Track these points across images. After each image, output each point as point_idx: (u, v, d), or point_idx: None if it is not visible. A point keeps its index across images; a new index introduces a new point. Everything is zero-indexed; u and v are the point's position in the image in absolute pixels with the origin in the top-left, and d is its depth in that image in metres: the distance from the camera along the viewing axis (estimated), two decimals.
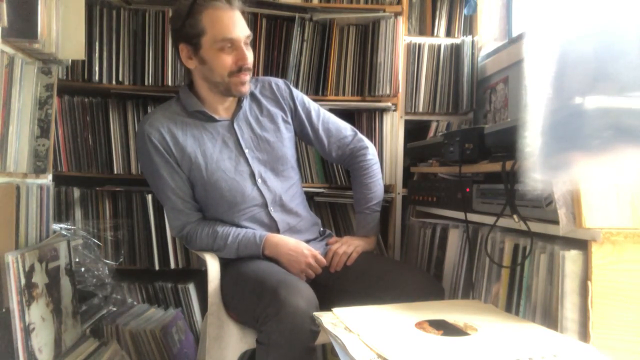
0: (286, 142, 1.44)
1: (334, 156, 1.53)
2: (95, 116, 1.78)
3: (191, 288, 1.88)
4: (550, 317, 0.96)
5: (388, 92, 1.82)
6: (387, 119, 1.84)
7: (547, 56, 0.77)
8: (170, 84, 1.76)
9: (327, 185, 1.85)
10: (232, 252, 1.33)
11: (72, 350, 1.35)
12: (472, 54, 1.97)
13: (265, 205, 1.38)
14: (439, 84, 1.97)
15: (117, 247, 1.80)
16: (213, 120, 1.37)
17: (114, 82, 1.75)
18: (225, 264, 1.34)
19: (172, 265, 1.79)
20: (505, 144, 1.13)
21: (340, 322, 0.92)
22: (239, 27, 1.29)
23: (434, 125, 1.98)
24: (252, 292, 1.16)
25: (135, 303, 1.82)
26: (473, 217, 1.28)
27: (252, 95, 1.44)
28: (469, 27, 2.08)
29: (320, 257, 1.31)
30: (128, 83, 1.76)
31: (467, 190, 1.30)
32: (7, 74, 1.21)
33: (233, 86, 1.31)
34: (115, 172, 1.78)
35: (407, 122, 1.92)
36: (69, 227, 1.69)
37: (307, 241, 1.40)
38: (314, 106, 1.52)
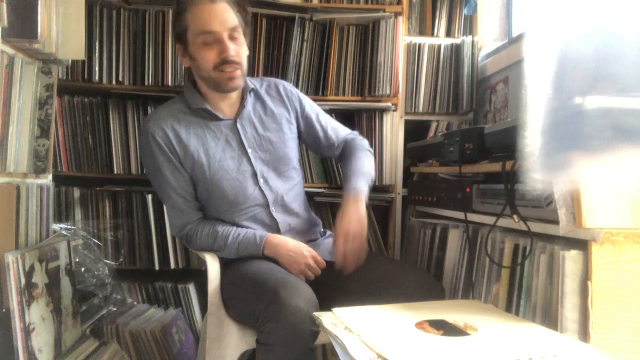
0: (289, 142, 1.44)
1: (337, 154, 1.53)
2: (95, 116, 1.78)
3: (191, 288, 1.88)
4: (550, 317, 0.96)
5: (388, 92, 1.82)
6: (387, 119, 1.84)
7: (547, 56, 0.77)
8: (170, 84, 1.76)
9: (327, 185, 1.85)
10: (232, 252, 1.33)
11: (72, 350, 1.35)
12: (472, 54, 1.97)
13: (266, 205, 1.38)
14: (439, 84, 1.97)
15: (117, 247, 1.80)
16: (216, 118, 1.37)
17: (114, 82, 1.75)
18: (225, 264, 1.34)
19: (172, 265, 1.79)
20: (505, 144, 1.13)
21: (340, 322, 0.92)
22: (218, 20, 1.27)
23: (434, 125, 1.98)
24: (252, 292, 1.16)
25: (135, 303, 1.82)
26: (473, 217, 1.28)
27: (257, 95, 1.44)
28: (469, 27, 2.08)
29: (320, 258, 1.31)
30: (128, 83, 1.76)
31: (467, 190, 1.30)
32: (7, 74, 1.21)
33: (220, 81, 1.31)
34: (115, 172, 1.78)
35: (407, 122, 1.92)
36: (69, 227, 1.69)
37: (308, 242, 1.40)
38: (318, 108, 1.54)
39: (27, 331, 1.15)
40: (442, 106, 1.97)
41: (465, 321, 0.93)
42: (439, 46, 1.97)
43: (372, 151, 1.54)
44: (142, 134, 1.37)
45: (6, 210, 1.19)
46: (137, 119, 1.78)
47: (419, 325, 0.91)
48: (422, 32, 2.09)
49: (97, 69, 1.73)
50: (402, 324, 0.92)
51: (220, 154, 1.35)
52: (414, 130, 1.98)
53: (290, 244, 1.31)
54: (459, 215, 1.34)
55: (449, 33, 2.09)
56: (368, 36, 1.86)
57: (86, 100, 1.78)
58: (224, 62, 1.28)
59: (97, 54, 1.73)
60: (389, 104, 1.83)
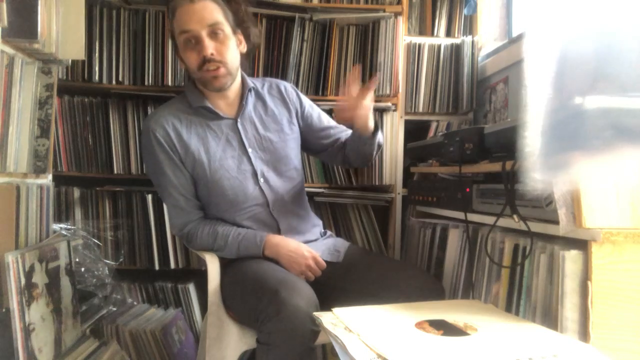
0: (290, 142, 1.44)
1: (330, 150, 1.53)
2: (95, 116, 1.78)
3: (191, 288, 1.88)
4: (550, 317, 0.96)
5: (388, 92, 1.82)
6: (387, 119, 1.84)
7: (547, 56, 0.76)
8: (170, 84, 1.76)
9: (327, 185, 1.85)
10: (232, 252, 1.33)
11: (72, 350, 1.35)
12: (472, 54, 1.97)
13: (266, 204, 1.38)
14: (439, 84, 1.97)
15: (117, 247, 1.80)
16: (217, 117, 1.37)
17: (114, 82, 1.75)
18: (225, 264, 1.34)
19: (172, 265, 1.79)
20: (505, 144, 1.13)
21: (340, 322, 0.92)
22: (195, 18, 1.27)
23: (434, 125, 1.98)
24: (252, 292, 1.16)
25: (135, 303, 1.82)
26: (473, 217, 1.28)
27: (257, 94, 1.45)
28: (469, 27, 2.09)
29: (320, 259, 1.31)
30: (128, 83, 1.76)
31: (467, 190, 1.30)
32: (7, 74, 1.21)
33: (206, 81, 1.32)
34: (115, 172, 1.78)
35: (407, 122, 1.92)
36: (69, 227, 1.69)
37: (308, 242, 1.40)
38: (318, 109, 1.55)
39: (27, 331, 1.15)
40: (442, 106, 1.97)
41: (465, 321, 0.93)
42: (439, 46, 1.97)
43: None
44: (143, 133, 1.37)
45: (6, 210, 1.19)
46: (137, 119, 1.78)
47: (419, 325, 0.91)
48: (422, 32, 2.09)
49: (97, 69, 1.73)
50: (402, 324, 0.92)
51: (220, 153, 1.35)
52: (414, 130, 1.98)
53: (290, 245, 1.31)
54: (459, 215, 1.34)
55: (449, 33, 2.09)
56: (368, 36, 1.86)
57: (86, 100, 1.78)
58: (205, 61, 1.28)
59: (97, 54, 1.73)
60: (389, 104, 1.83)
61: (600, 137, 0.72)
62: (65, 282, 1.38)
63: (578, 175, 0.86)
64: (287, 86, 1.51)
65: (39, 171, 1.38)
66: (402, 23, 1.83)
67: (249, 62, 1.76)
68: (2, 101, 1.17)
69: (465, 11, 2.07)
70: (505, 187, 1.09)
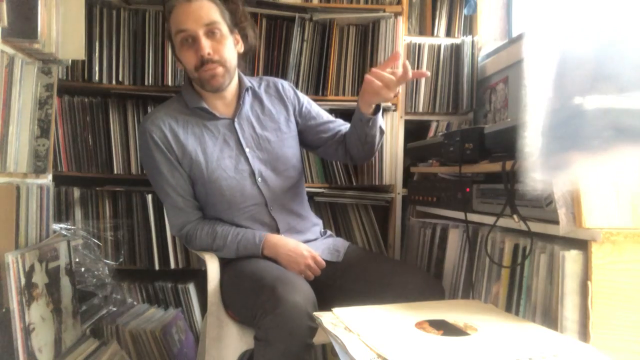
0: (287, 141, 1.44)
1: (330, 143, 1.51)
2: (95, 116, 1.78)
3: (191, 288, 1.88)
4: (550, 317, 0.96)
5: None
6: (387, 119, 1.84)
7: (547, 56, 0.77)
8: (170, 84, 1.76)
9: (327, 185, 1.85)
10: (231, 252, 1.33)
11: (72, 350, 1.35)
12: (472, 54, 1.97)
13: (265, 204, 1.38)
14: (439, 84, 1.97)
15: (117, 247, 1.80)
16: (214, 117, 1.37)
17: (114, 82, 1.75)
18: (224, 264, 1.34)
19: (172, 265, 1.79)
20: (505, 144, 1.13)
21: (340, 322, 0.92)
22: (192, 17, 1.27)
23: (434, 125, 1.98)
24: (250, 289, 1.16)
25: (135, 303, 1.82)
26: (473, 217, 1.28)
27: (254, 94, 1.45)
28: (469, 27, 2.08)
29: (320, 259, 1.31)
30: (128, 83, 1.76)
31: (467, 190, 1.30)
32: (7, 74, 1.21)
33: (203, 81, 1.31)
34: (115, 172, 1.78)
35: (407, 122, 1.92)
36: (69, 227, 1.69)
37: (308, 241, 1.40)
38: (316, 106, 1.55)
39: (27, 331, 1.15)
40: (442, 106, 1.97)
41: (465, 321, 0.93)
42: (439, 46, 1.97)
43: None
44: (140, 134, 1.38)
45: (6, 210, 1.19)
46: (137, 119, 1.78)
47: (419, 325, 0.91)
48: (422, 32, 2.09)
49: (97, 69, 1.73)
50: (402, 324, 0.92)
51: (218, 153, 1.35)
52: (414, 130, 1.98)
53: (290, 244, 1.31)
54: (459, 215, 1.34)
55: (449, 33, 2.09)
56: (368, 36, 1.86)
57: (86, 100, 1.78)
58: (203, 61, 1.28)
59: (97, 54, 1.73)
60: (389, 104, 1.83)
61: (600, 137, 0.72)
62: (65, 282, 1.38)
63: (578, 175, 0.86)
64: (284, 84, 1.50)
65: (39, 171, 1.38)
66: (402, 23, 1.83)
67: (247, 63, 1.76)
68: (2, 101, 1.17)
69: (465, 11, 2.07)
70: (505, 187, 1.09)
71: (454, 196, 1.38)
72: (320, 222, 1.54)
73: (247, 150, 1.38)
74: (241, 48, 1.39)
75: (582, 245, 0.91)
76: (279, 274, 1.18)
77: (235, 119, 1.39)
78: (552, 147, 0.75)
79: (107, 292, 1.70)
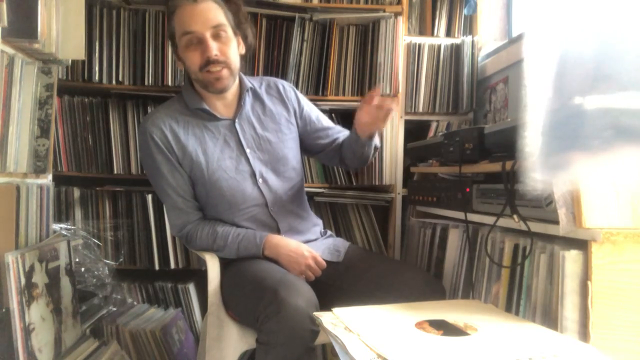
0: (288, 142, 1.44)
1: (328, 150, 1.52)
2: (95, 116, 1.78)
3: (191, 288, 1.88)
4: (550, 317, 0.96)
5: (388, 92, 1.82)
6: (388, 120, 1.84)
7: (547, 56, 0.77)
8: (170, 84, 1.76)
9: (327, 185, 1.85)
10: (232, 252, 1.33)
11: (72, 350, 1.35)
12: (472, 54, 1.97)
13: (265, 205, 1.38)
14: (439, 84, 1.97)
15: (117, 247, 1.80)
16: (215, 118, 1.37)
17: (114, 82, 1.75)
18: (225, 264, 1.34)
19: (172, 265, 1.79)
20: (505, 144, 1.13)
21: (340, 322, 0.92)
22: (199, 19, 1.27)
23: (434, 125, 1.98)
24: (252, 291, 1.16)
25: (135, 303, 1.82)
26: (473, 217, 1.28)
27: (255, 94, 1.44)
28: (469, 27, 2.08)
29: (320, 259, 1.31)
30: (128, 83, 1.76)
31: (467, 190, 1.30)
32: (7, 74, 1.21)
33: (207, 82, 1.31)
34: (115, 172, 1.78)
35: (407, 122, 1.92)
36: (69, 227, 1.69)
37: (308, 242, 1.40)
38: (317, 110, 1.55)
39: (27, 331, 1.15)
40: (442, 106, 1.97)
41: (465, 321, 0.93)
42: (439, 46, 1.97)
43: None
44: (140, 134, 1.37)
45: (6, 210, 1.19)
46: (137, 119, 1.78)
47: (419, 325, 0.91)
48: (422, 32, 2.09)
49: (97, 69, 1.73)
50: (402, 324, 0.92)
51: (218, 154, 1.35)
52: (414, 130, 1.98)
53: (290, 245, 1.31)
54: (459, 215, 1.34)
55: (449, 33, 2.09)
56: (368, 36, 1.86)
57: (86, 100, 1.78)
58: (209, 62, 1.28)
59: (97, 54, 1.73)
60: (393, 107, 1.82)
61: (600, 137, 0.72)
62: (65, 282, 1.38)
63: (578, 175, 0.86)
64: (285, 85, 1.50)
65: (39, 171, 1.38)
66: (402, 23, 1.83)
67: (247, 63, 1.76)
68: (2, 101, 1.17)
69: (465, 11, 2.07)
70: (505, 187, 1.09)
71: (454, 196, 1.38)
72: (320, 222, 1.54)
73: (247, 151, 1.38)
74: (242, 49, 1.39)
75: (582, 245, 0.91)
76: (281, 276, 1.18)
77: (236, 120, 1.39)
78: (552, 147, 0.75)
79: (107, 292, 1.69)
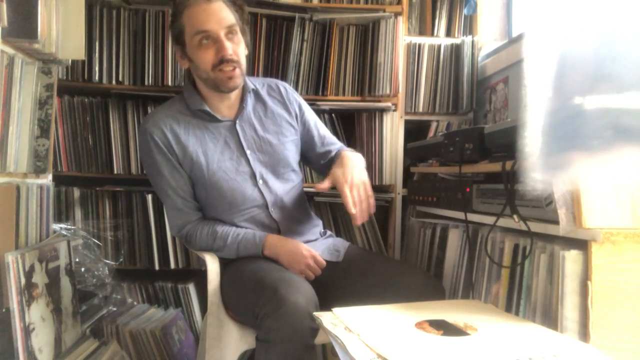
0: (288, 145, 1.44)
1: (322, 162, 1.52)
2: (95, 116, 1.78)
3: (191, 288, 1.88)
4: (550, 317, 0.96)
5: (388, 92, 1.82)
6: (387, 119, 1.84)
7: (547, 56, 0.77)
8: (170, 84, 1.76)
9: None
10: (231, 252, 1.33)
11: (72, 350, 1.35)
12: (472, 54, 1.97)
13: (265, 206, 1.38)
14: (439, 84, 1.97)
15: (117, 247, 1.80)
16: (216, 120, 1.37)
17: (114, 82, 1.75)
18: (225, 264, 1.34)
19: (172, 265, 1.79)
20: (505, 144, 1.13)
21: (340, 322, 0.92)
22: (215, 19, 1.26)
23: (434, 125, 1.98)
24: (252, 290, 1.16)
25: (135, 303, 1.82)
26: (473, 217, 1.28)
27: (257, 95, 1.44)
28: (469, 27, 2.08)
29: (320, 258, 1.31)
30: (128, 83, 1.76)
31: (467, 190, 1.30)
32: (7, 74, 1.21)
33: (219, 81, 1.30)
34: (115, 172, 1.78)
35: (407, 122, 1.92)
36: (69, 227, 1.69)
37: (308, 242, 1.40)
38: (315, 116, 1.54)
39: (27, 331, 1.15)
40: (442, 106, 1.97)
41: (465, 321, 0.93)
42: (439, 46, 1.97)
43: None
44: (140, 135, 1.37)
45: (6, 210, 1.19)
46: (137, 119, 1.78)
47: (419, 325, 0.91)
48: (422, 32, 2.09)
49: (97, 69, 1.73)
50: (402, 324, 0.92)
51: (218, 155, 1.35)
52: (414, 130, 1.98)
53: (290, 244, 1.31)
54: (459, 215, 1.34)
55: (449, 33, 2.09)
56: (368, 36, 1.86)
57: (86, 100, 1.78)
58: (222, 61, 1.27)
59: (97, 54, 1.73)
60: (389, 104, 1.83)
61: (600, 137, 0.72)
62: (65, 282, 1.38)
63: (578, 175, 0.86)
64: (287, 87, 1.50)
65: (39, 171, 1.38)
66: (402, 23, 1.83)
67: (249, 63, 1.76)
68: (2, 101, 1.17)
69: (465, 11, 2.07)
70: (505, 187, 1.09)
71: (454, 196, 1.39)
72: (320, 222, 1.54)
73: (248, 152, 1.38)
74: (246, 50, 1.39)
75: (582, 245, 0.91)
76: (280, 274, 1.18)
77: (237, 121, 1.38)
78: (552, 147, 0.75)
79: (107, 292, 1.69)
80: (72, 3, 1.41)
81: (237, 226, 1.37)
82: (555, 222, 0.93)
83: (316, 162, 1.54)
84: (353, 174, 1.28)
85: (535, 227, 1.03)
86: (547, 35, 0.77)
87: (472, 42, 1.97)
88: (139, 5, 1.78)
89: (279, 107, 1.45)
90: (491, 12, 2.05)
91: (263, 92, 1.45)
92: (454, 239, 1.44)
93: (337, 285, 1.33)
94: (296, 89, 1.63)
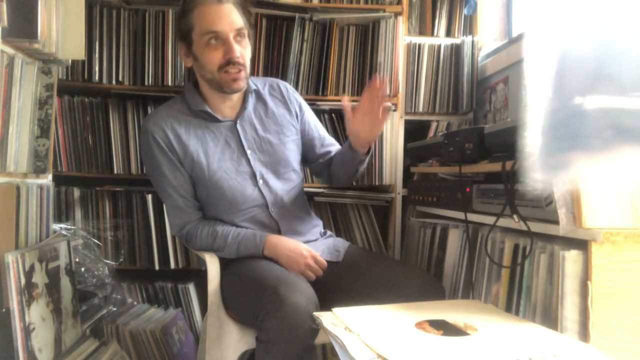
0: (289, 144, 1.44)
1: (320, 162, 1.53)
2: (95, 116, 1.78)
3: (191, 288, 1.88)
4: (550, 317, 0.96)
5: (388, 92, 1.82)
6: (387, 119, 1.84)
7: (547, 56, 0.76)
8: (170, 84, 1.76)
9: (327, 185, 1.85)
10: (232, 252, 1.33)
11: (72, 350, 1.35)
12: (472, 54, 1.97)
13: (265, 206, 1.38)
14: (439, 84, 1.97)
15: (117, 247, 1.80)
16: (216, 120, 1.37)
17: (114, 82, 1.75)
18: (225, 264, 1.34)
19: (172, 265, 1.79)
20: (505, 144, 1.13)
21: (340, 322, 0.92)
22: (225, 20, 1.27)
23: (434, 125, 1.98)
24: (252, 290, 1.16)
25: (135, 303, 1.82)
26: (473, 217, 1.28)
27: (258, 95, 1.44)
28: (469, 27, 2.08)
29: (321, 258, 1.31)
30: (128, 83, 1.76)
31: (467, 190, 1.30)
32: (7, 74, 1.21)
33: (224, 83, 1.30)
34: (115, 172, 1.78)
35: (407, 122, 1.92)
36: (69, 227, 1.69)
37: (308, 242, 1.40)
38: (316, 118, 1.55)
39: (27, 331, 1.15)
40: (442, 106, 1.97)
41: (465, 321, 0.93)
42: (439, 46, 1.97)
43: None
44: (142, 134, 1.37)
45: (6, 210, 1.19)
46: (137, 119, 1.78)
47: (419, 325, 0.91)
48: (422, 32, 2.09)
49: (97, 69, 1.73)
50: (402, 324, 0.92)
51: (219, 154, 1.35)
52: (414, 130, 1.98)
53: (290, 244, 1.31)
54: (459, 215, 1.34)
55: (449, 33, 2.09)
56: (368, 36, 1.86)
57: (86, 100, 1.78)
58: (229, 62, 1.28)
59: (97, 54, 1.73)
60: (389, 104, 1.82)
61: (600, 137, 0.72)
62: (65, 282, 1.38)
63: (578, 175, 0.86)
64: (288, 87, 1.50)
65: (39, 171, 1.38)
66: (402, 23, 1.83)
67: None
68: (2, 101, 1.17)
69: (465, 11, 2.07)
70: (505, 187, 1.09)
71: (454, 196, 1.38)
72: (320, 222, 1.54)
73: (248, 152, 1.38)
74: (250, 53, 1.39)
75: (582, 245, 0.91)
76: (280, 274, 1.18)
77: (238, 121, 1.39)
78: (552, 147, 0.75)
79: (107, 292, 1.69)
80: (72, 3, 1.41)
81: (238, 226, 1.37)
82: (555, 222, 0.93)
83: (315, 162, 1.54)
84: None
85: (535, 227, 1.03)
86: (547, 35, 0.77)
87: (472, 42, 1.97)
88: (139, 5, 1.78)
89: (280, 107, 1.45)
90: (491, 12, 2.05)
91: (264, 92, 1.45)
92: (454, 239, 1.44)
93: (337, 285, 1.33)
94: (296, 89, 1.63)
